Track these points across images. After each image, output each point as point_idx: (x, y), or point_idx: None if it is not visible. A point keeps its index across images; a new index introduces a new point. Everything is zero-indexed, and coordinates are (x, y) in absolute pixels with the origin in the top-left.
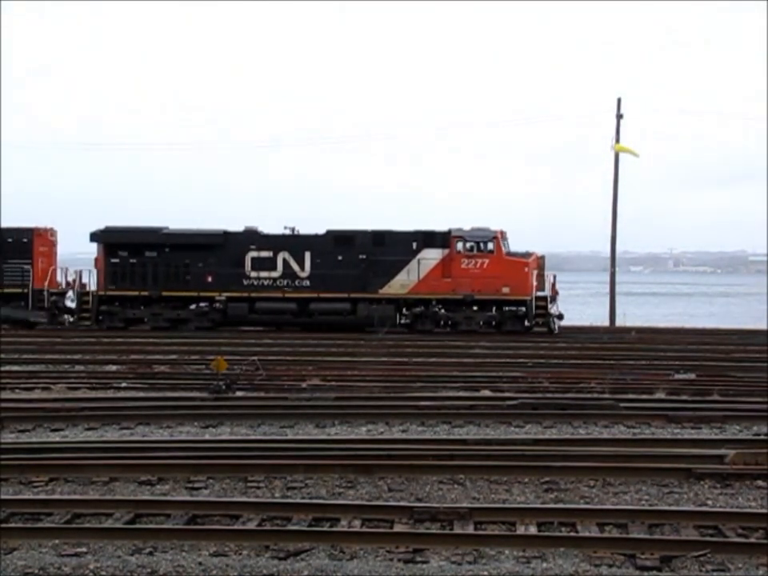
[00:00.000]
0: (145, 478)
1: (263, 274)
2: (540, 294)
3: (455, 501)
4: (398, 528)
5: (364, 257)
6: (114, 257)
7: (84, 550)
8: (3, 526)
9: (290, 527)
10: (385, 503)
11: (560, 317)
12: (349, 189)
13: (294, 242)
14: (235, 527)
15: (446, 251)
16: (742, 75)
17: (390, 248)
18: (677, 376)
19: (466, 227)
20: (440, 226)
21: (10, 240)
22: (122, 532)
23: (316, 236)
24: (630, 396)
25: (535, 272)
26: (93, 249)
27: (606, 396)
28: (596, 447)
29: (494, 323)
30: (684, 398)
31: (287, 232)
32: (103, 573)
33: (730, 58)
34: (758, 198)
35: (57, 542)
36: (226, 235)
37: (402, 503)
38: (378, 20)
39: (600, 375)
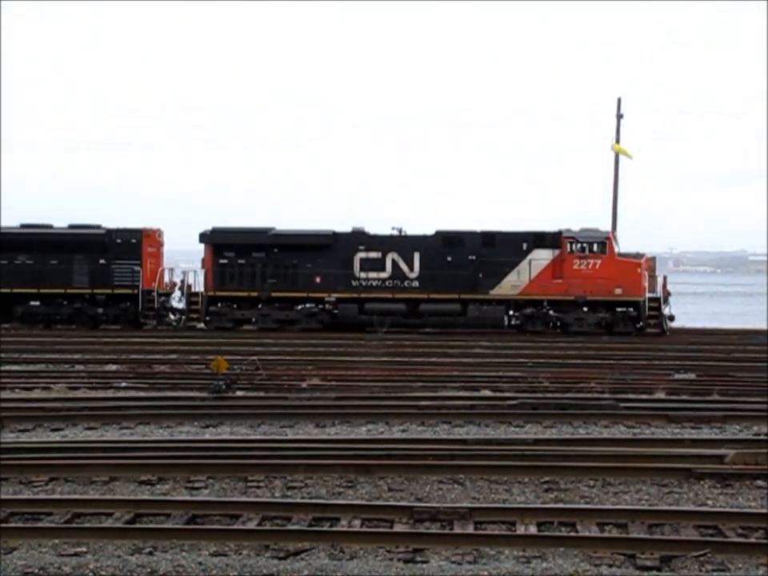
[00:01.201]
0: (145, 477)
1: (372, 274)
2: (650, 295)
3: (455, 501)
4: (397, 528)
5: (473, 257)
6: (222, 258)
7: (84, 549)
8: (3, 525)
9: (290, 527)
10: (385, 503)
11: (671, 318)
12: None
13: (402, 243)
14: (235, 527)
15: (557, 252)
16: (742, 75)
17: (499, 249)
18: (677, 376)
19: (575, 228)
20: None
21: (119, 241)
22: (122, 532)
23: (424, 237)
24: (630, 396)
25: (646, 273)
26: None
27: (606, 396)
28: (596, 447)
29: (604, 324)
30: (684, 397)
31: (394, 233)
32: (103, 573)
33: (729, 57)
34: (758, 198)
35: (57, 541)
36: (335, 236)
37: (402, 503)
38: (378, 20)
39: (600, 375)
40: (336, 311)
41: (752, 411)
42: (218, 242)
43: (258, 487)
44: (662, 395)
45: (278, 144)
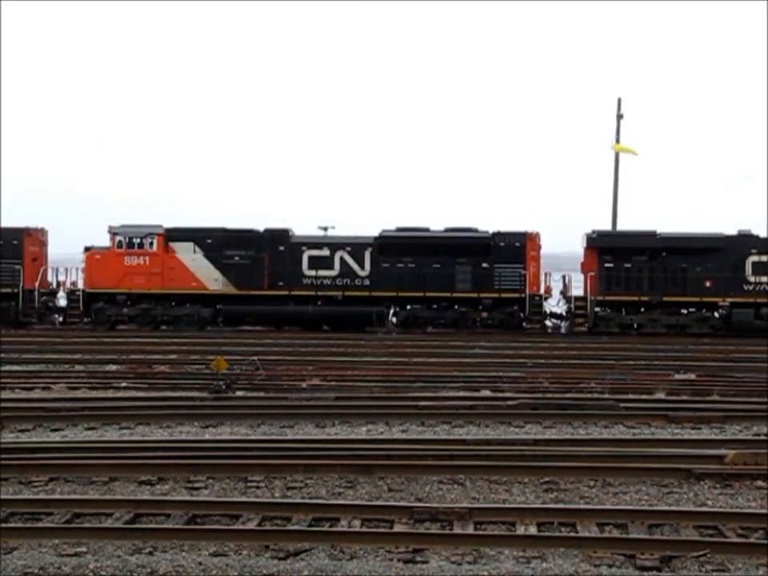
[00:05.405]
0: (145, 477)
1: (764, 278)
2: None
3: (455, 501)
4: (397, 528)
5: None
6: (607, 261)
7: (84, 549)
8: (3, 525)
9: (290, 527)
10: (385, 503)
11: None
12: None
13: None
14: (235, 527)
15: None
16: (742, 75)
17: None
18: (677, 376)
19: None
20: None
21: (502, 244)
22: (122, 532)
23: None
24: (630, 396)
25: None
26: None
27: (606, 396)
28: (596, 447)
29: None
30: (684, 398)
31: None
32: (103, 573)
33: (729, 57)
34: (757, 198)
35: (57, 541)
36: (726, 239)
37: (402, 503)
38: (378, 21)
39: (600, 375)
40: (729, 316)
41: (752, 411)
42: (602, 245)
43: (258, 487)
44: (662, 395)
45: (274, 143)
